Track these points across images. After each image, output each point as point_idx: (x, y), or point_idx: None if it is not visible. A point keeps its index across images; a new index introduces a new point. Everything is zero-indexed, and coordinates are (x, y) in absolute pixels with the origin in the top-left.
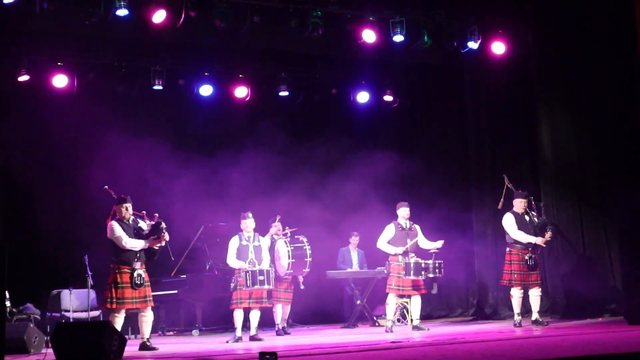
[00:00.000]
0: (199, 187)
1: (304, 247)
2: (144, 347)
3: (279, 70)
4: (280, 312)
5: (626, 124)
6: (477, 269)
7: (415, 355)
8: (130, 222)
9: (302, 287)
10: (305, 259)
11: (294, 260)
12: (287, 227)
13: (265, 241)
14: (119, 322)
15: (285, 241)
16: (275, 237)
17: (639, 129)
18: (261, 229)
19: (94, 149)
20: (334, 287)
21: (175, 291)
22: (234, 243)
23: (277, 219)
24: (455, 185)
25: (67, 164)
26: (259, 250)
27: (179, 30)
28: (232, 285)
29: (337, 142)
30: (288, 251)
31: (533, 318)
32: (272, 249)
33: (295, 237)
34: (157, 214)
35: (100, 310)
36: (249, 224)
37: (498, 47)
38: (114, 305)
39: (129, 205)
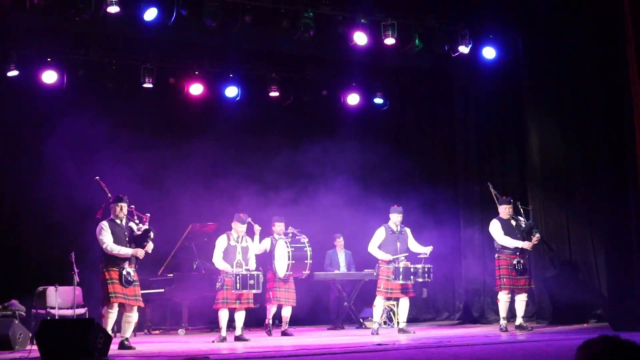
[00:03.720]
0: (188, 186)
1: (305, 249)
2: (122, 346)
3: (269, 71)
4: (273, 312)
5: (613, 130)
6: (464, 273)
7: (401, 358)
8: (122, 222)
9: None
10: (306, 261)
11: (293, 261)
12: (290, 227)
13: (262, 244)
14: (112, 317)
15: (285, 241)
16: (276, 236)
17: (626, 135)
18: (265, 228)
19: (83, 146)
20: (321, 288)
21: (162, 290)
22: (221, 243)
23: (281, 219)
24: (443, 189)
25: (55, 160)
26: (247, 251)
27: (169, 28)
28: (218, 285)
29: (326, 144)
30: (288, 252)
31: (517, 323)
32: (272, 248)
33: (297, 237)
34: (148, 214)
35: (86, 308)
36: (243, 228)
37: (488, 52)
38: (111, 300)
39: (124, 205)
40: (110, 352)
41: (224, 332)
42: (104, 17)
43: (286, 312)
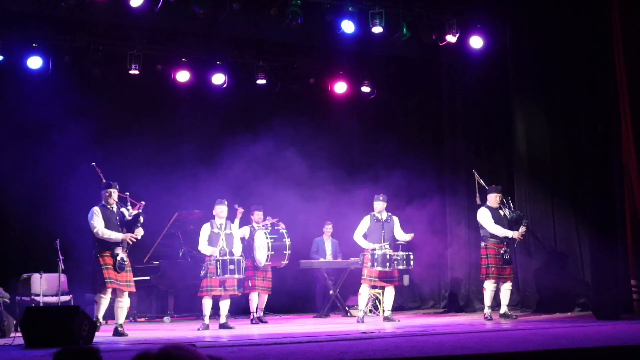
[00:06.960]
0: (174, 173)
1: (284, 239)
2: (116, 332)
3: (257, 59)
4: (256, 301)
5: (599, 121)
6: (450, 261)
7: (386, 345)
8: (114, 208)
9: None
10: (285, 252)
11: (272, 252)
12: (268, 217)
13: (240, 230)
14: (105, 302)
15: (264, 232)
16: (255, 225)
17: (612, 125)
18: (243, 217)
19: (67, 132)
20: (307, 276)
21: (148, 277)
22: (205, 230)
23: (259, 208)
24: (429, 178)
25: (39, 146)
26: (231, 238)
27: (157, 15)
28: (203, 272)
29: (314, 132)
30: (267, 243)
31: (502, 312)
32: (251, 238)
33: (275, 227)
34: (143, 202)
35: (71, 295)
36: (223, 209)
37: (476, 42)
38: (107, 286)
39: (114, 191)
40: (103, 339)
41: (207, 320)
42: (90, 2)
43: (262, 300)
